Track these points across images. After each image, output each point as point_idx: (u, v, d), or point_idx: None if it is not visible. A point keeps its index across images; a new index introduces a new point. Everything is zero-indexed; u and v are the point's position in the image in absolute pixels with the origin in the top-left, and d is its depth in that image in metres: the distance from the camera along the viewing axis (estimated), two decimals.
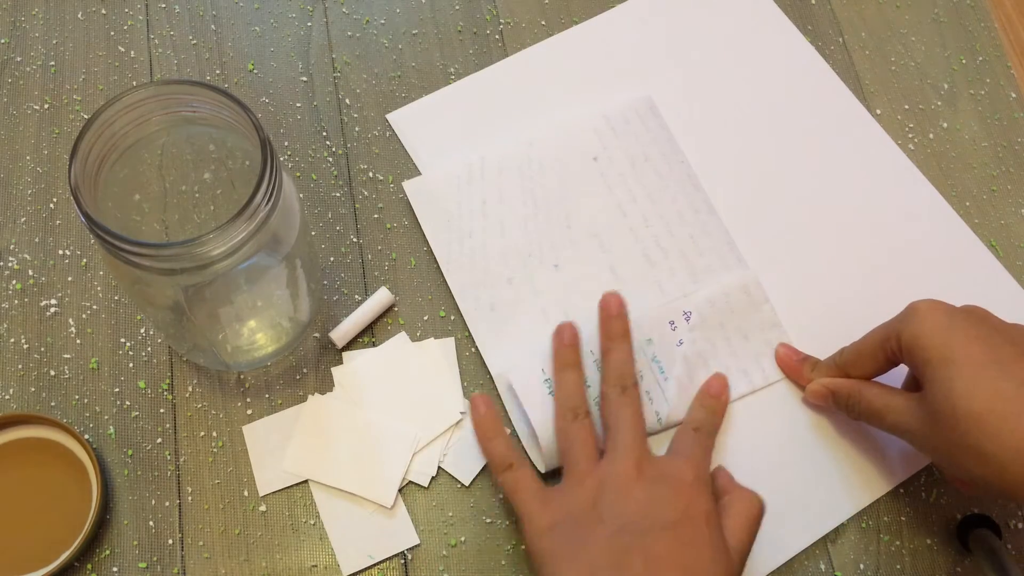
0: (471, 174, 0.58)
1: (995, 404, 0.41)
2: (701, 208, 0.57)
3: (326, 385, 0.53)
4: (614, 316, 0.51)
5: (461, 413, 0.52)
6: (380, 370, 0.53)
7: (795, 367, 0.53)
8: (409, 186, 0.57)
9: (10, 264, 0.55)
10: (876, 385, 0.49)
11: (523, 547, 0.49)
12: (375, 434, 0.51)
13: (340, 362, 0.54)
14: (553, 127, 0.60)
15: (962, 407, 0.42)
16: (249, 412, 0.52)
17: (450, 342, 0.54)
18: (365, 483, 0.50)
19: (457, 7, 0.64)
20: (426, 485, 0.51)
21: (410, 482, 0.51)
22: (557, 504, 0.45)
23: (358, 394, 0.53)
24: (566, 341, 0.50)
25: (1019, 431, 0.41)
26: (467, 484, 0.51)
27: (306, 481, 0.51)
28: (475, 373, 0.54)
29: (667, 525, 0.43)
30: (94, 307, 0.54)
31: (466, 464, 0.51)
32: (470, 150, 0.59)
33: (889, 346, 0.47)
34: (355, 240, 0.57)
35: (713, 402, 0.51)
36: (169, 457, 0.51)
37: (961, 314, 0.45)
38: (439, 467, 0.51)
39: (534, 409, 0.50)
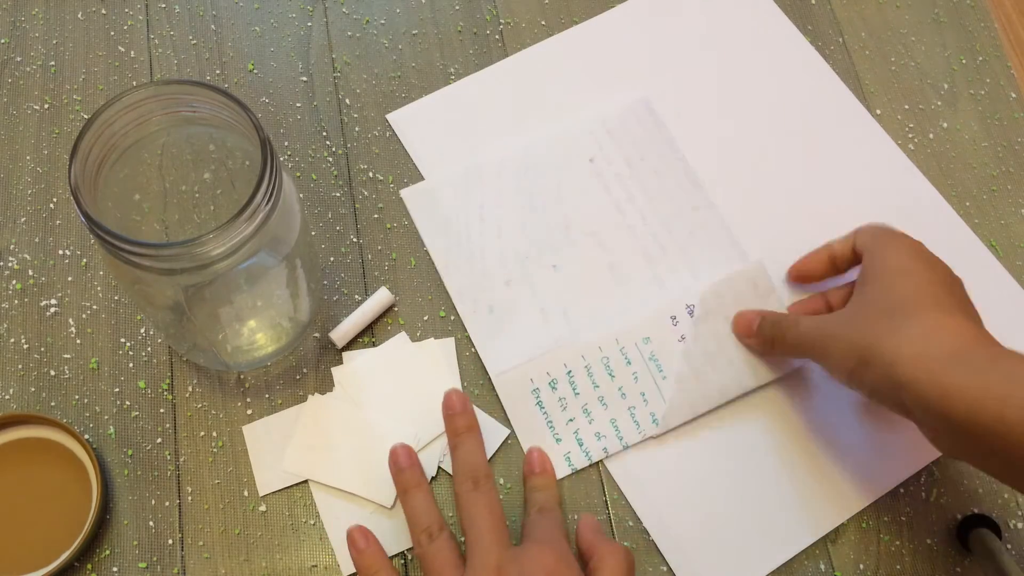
0: (468, 180, 0.58)
1: (926, 298, 0.44)
2: (700, 204, 0.57)
3: (326, 385, 0.53)
4: (458, 413, 0.49)
5: None
6: (380, 370, 0.53)
7: (747, 324, 0.53)
8: (407, 193, 0.57)
9: (10, 264, 0.55)
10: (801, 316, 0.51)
11: None
12: (375, 434, 0.51)
13: (340, 362, 0.54)
14: (550, 130, 0.60)
15: (895, 295, 0.45)
16: (249, 412, 0.52)
17: (450, 342, 0.54)
18: (365, 483, 0.50)
19: (457, 7, 0.64)
20: None
21: None
22: None
23: (358, 394, 0.53)
24: (403, 464, 0.49)
25: (939, 319, 0.43)
26: None
27: (306, 481, 0.51)
28: (475, 373, 0.54)
29: None
30: (94, 307, 0.54)
31: None
32: (468, 152, 0.59)
33: (861, 246, 0.50)
34: (355, 240, 0.57)
35: (540, 479, 0.50)
36: (169, 457, 0.51)
37: (941, 263, 0.47)
38: (439, 467, 0.51)
39: (518, 420, 0.51)
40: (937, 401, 0.40)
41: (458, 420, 0.49)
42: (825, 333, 0.47)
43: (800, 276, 0.55)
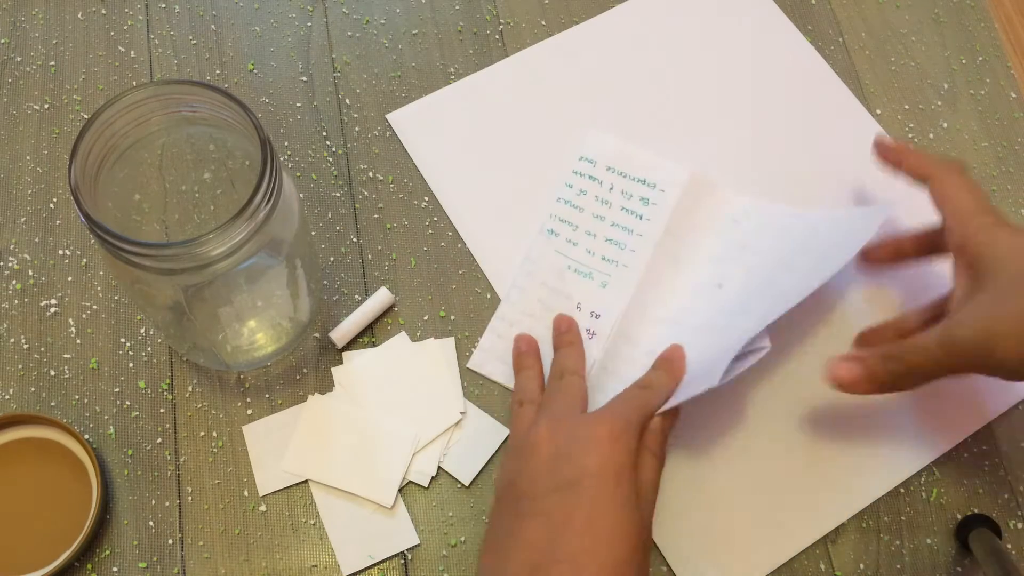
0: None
1: None
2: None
3: (326, 385, 0.53)
4: (563, 331, 0.53)
5: (461, 413, 0.52)
6: (380, 370, 0.53)
7: (850, 381, 0.47)
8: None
9: (10, 264, 0.55)
10: (905, 340, 0.47)
11: None
12: (375, 434, 0.51)
13: (340, 362, 0.54)
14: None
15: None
16: (249, 412, 0.52)
17: (450, 342, 0.54)
18: (365, 483, 0.50)
19: (457, 7, 0.64)
20: (426, 485, 0.51)
21: (410, 482, 0.51)
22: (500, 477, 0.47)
23: (358, 394, 0.53)
24: (522, 349, 0.53)
25: None
26: (467, 484, 0.51)
27: (306, 481, 0.51)
28: (475, 373, 0.54)
29: (567, 484, 0.42)
30: (94, 307, 0.54)
31: (467, 464, 0.51)
32: (469, 152, 0.59)
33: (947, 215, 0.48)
34: (355, 240, 0.57)
35: (668, 365, 0.49)
36: (169, 457, 0.51)
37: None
38: (439, 467, 0.51)
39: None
40: None
41: (563, 337, 0.53)
42: (985, 335, 0.44)
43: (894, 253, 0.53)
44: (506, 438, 0.52)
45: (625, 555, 0.41)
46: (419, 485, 0.51)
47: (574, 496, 0.41)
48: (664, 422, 0.47)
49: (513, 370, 0.53)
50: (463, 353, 0.54)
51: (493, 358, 0.54)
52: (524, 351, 0.53)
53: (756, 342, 0.47)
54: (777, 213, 0.56)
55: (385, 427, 0.52)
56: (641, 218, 0.56)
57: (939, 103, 0.63)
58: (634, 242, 0.56)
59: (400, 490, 0.51)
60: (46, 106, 0.59)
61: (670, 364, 0.50)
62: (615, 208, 0.57)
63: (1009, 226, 0.46)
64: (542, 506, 0.42)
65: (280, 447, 0.51)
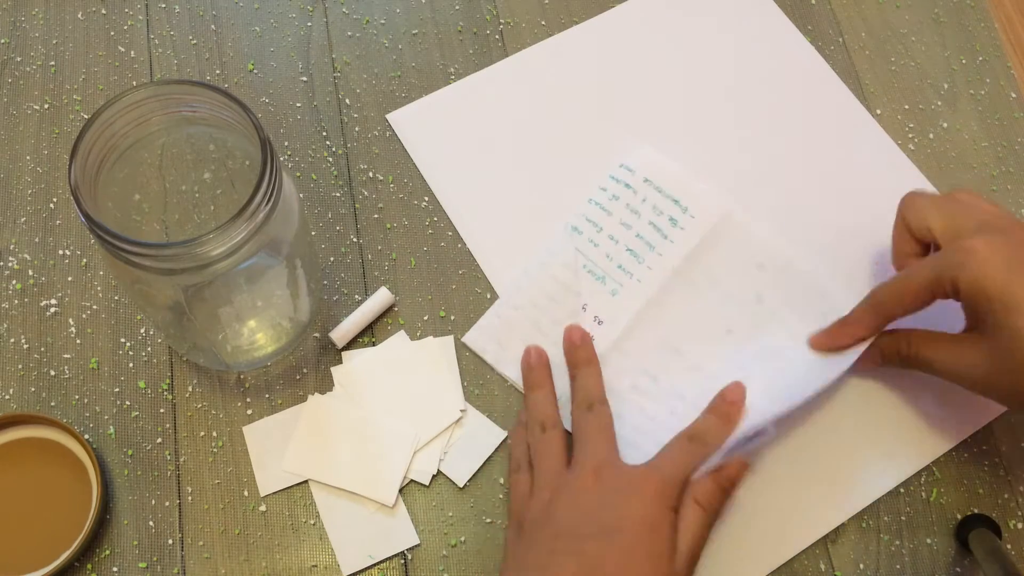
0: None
1: None
2: None
3: (326, 385, 0.53)
4: (578, 346, 0.52)
5: (461, 411, 0.52)
6: (380, 369, 0.53)
7: (831, 337, 0.51)
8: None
9: (10, 264, 0.55)
10: (926, 333, 0.49)
11: None
12: (376, 433, 0.51)
13: (340, 362, 0.54)
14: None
15: None
16: (249, 412, 0.52)
17: (449, 340, 0.54)
18: (366, 482, 0.50)
19: (457, 7, 0.64)
20: (427, 483, 0.51)
21: (411, 481, 0.51)
22: (525, 506, 0.46)
23: (358, 393, 0.53)
24: (532, 363, 0.52)
25: None
26: (461, 486, 0.51)
27: (306, 481, 0.51)
28: (475, 372, 0.54)
29: (607, 531, 0.43)
30: (94, 307, 0.54)
31: (462, 466, 0.51)
32: (468, 152, 0.59)
33: (941, 288, 0.45)
34: (355, 240, 0.57)
35: (727, 408, 0.48)
36: (169, 457, 0.51)
37: (1017, 242, 0.44)
38: (439, 468, 0.51)
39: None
40: None
41: (579, 352, 0.52)
42: (980, 384, 0.46)
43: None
44: (504, 439, 0.52)
45: None
46: (420, 484, 0.51)
47: (610, 543, 0.42)
48: (718, 475, 0.46)
49: (523, 384, 0.52)
50: (463, 353, 0.54)
51: (488, 337, 0.54)
52: (534, 365, 0.52)
53: (762, 430, 0.48)
54: (801, 278, 0.55)
55: (385, 426, 0.52)
56: (666, 237, 0.56)
57: (939, 103, 0.63)
58: (653, 259, 0.55)
59: (401, 490, 0.51)
60: (46, 106, 0.59)
61: (728, 409, 0.48)
62: (643, 220, 0.56)
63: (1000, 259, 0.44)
64: (579, 547, 0.42)
65: (281, 447, 0.51)
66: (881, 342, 0.50)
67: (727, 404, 0.48)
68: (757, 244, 0.56)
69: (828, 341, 0.51)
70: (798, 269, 0.55)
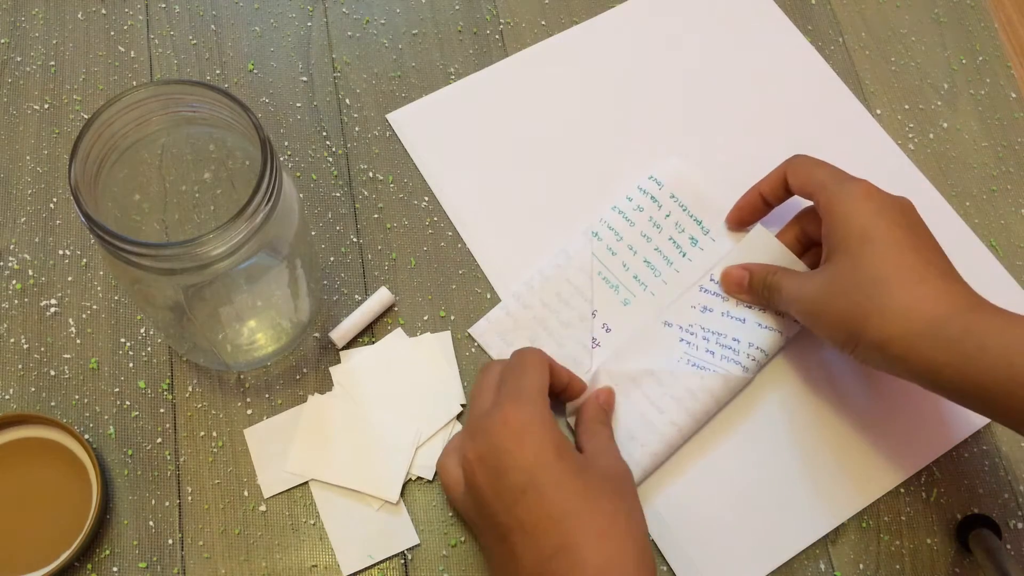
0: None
1: (900, 271, 0.45)
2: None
3: (326, 385, 0.53)
4: (601, 402, 0.52)
5: (462, 405, 0.52)
6: (378, 367, 0.53)
7: (737, 279, 0.54)
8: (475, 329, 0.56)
9: (10, 264, 0.55)
10: (786, 269, 0.52)
11: None
12: (377, 430, 0.51)
13: (339, 362, 0.54)
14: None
15: (869, 272, 0.45)
16: (249, 412, 0.52)
17: (447, 335, 0.54)
18: (369, 480, 0.50)
19: (457, 7, 0.64)
20: (431, 479, 0.51)
21: (414, 478, 0.51)
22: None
23: (358, 392, 0.53)
24: (602, 401, 0.52)
25: (914, 291, 0.44)
26: (429, 479, 0.51)
27: (307, 481, 0.51)
28: (474, 371, 0.54)
29: (520, 491, 0.42)
30: (94, 307, 0.54)
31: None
32: (468, 152, 0.59)
33: (813, 195, 0.51)
34: (355, 240, 0.57)
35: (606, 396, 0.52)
36: (169, 457, 0.51)
37: (894, 203, 0.48)
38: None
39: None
40: (927, 374, 0.44)
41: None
42: (810, 307, 0.48)
43: (738, 221, 0.56)
44: None
45: (608, 507, 0.42)
46: (422, 482, 0.51)
47: (532, 496, 0.42)
48: (597, 399, 0.51)
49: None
50: (464, 352, 0.54)
51: (495, 332, 0.54)
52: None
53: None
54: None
55: (386, 423, 0.52)
56: (684, 255, 0.56)
57: (939, 103, 0.63)
58: (669, 274, 0.56)
59: (402, 488, 0.51)
60: (46, 106, 0.59)
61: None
62: (664, 234, 0.56)
63: (845, 182, 0.49)
64: (515, 519, 0.42)
65: (282, 449, 0.51)
66: (752, 267, 0.53)
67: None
68: (775, 261, 0.55)
69: (735, 214, 0.56)
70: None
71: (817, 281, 0.48)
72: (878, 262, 0.46)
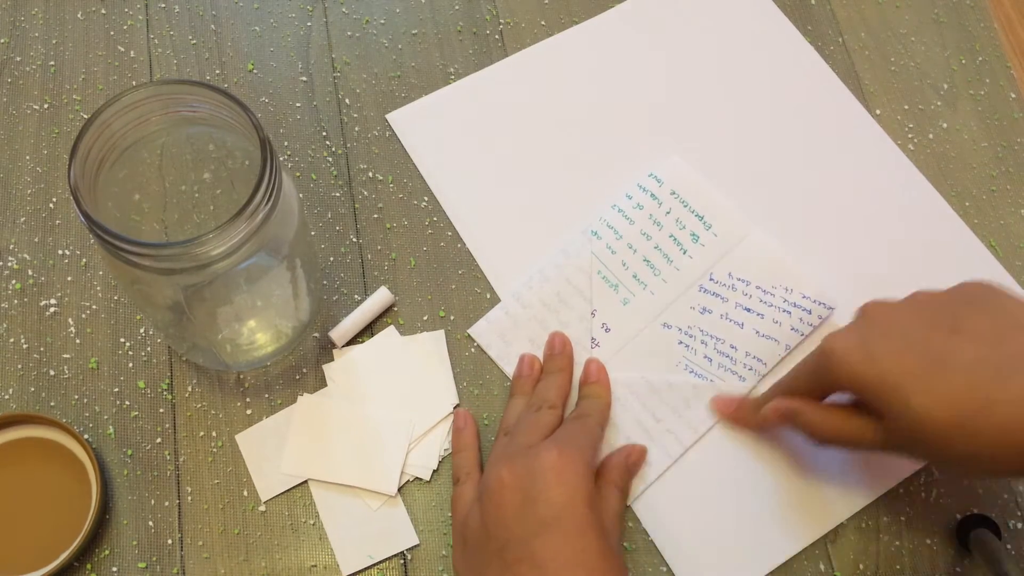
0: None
1: (958, 406, 0.41)
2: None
3: (324, 385, 0.53)
4: (556, 353, 0.53)
5: (455, 404, 0.52)
6: (371, 364, 0.53)
7: (734, 413, 0.52)
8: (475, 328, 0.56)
9: (10, 264, 0.55)
10: (838, 411, 0.46)
11: None
12: (370, 426, 0.51)
13: (333, 359, 0.54)
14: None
15: (929, 425, 0.41)
16: (249, 412, 0.52)
17: (440, 335, 0.54)
18: (366, 475, 0.50)
19: (457, 7, 0.64)
20: (428, 479, 0.51)
21: (411, 480, 0.51)
22: (467, 518, 0.46)
23: (351, 389, 0.53)
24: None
25: (993, 419, 0.40)
26: (427, 479, 0.51)
27: (305, 481, 0.51)
28: (474, 372, 0.54)
29: (545, 525, 0.43)
30: (94, 307, 0.54)
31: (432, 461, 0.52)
32: (468, 152, 0.59)
33: (824, 388, 0.46)
34: (355, 240, 0.57)
35: (590, 388, 0.52)
36: (169, 457, 0.51)
37: (876, 332, 0.44)
38: (439, 460, 0.51)
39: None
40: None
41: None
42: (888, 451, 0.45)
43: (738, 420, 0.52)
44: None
45: None
46: (420, 482, 0.51)
47: (555, 534, 0.42)
48: (626, 459, 0.50)
49: (544, 364, 0.53)
50: (463, 352, 0.54)
51: (494, 333, 0.54)
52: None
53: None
54: (808, 303, 0.54)
55: (380, 417, 0.52)
56: (685, 252, 0.56)
57: (939, 103, 0.63)
58: (669, 272, 0.55)
59: (400, 488, 0.51)
60: (46, 106, 0.59)
61: (598, 378, 0.52)
62: (664, 232, 0.56)
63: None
64: (528, 551, 0.42)
65: (276, 451, 0.51)
66: (798, 407, 0.47)
67: (593, 374, 0.52)
68: (772, 266, 0.55)
69: (729, 418, 0.52)
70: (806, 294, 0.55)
71: (880, 433, 0.44)
72: (927, 409, 0.41)
